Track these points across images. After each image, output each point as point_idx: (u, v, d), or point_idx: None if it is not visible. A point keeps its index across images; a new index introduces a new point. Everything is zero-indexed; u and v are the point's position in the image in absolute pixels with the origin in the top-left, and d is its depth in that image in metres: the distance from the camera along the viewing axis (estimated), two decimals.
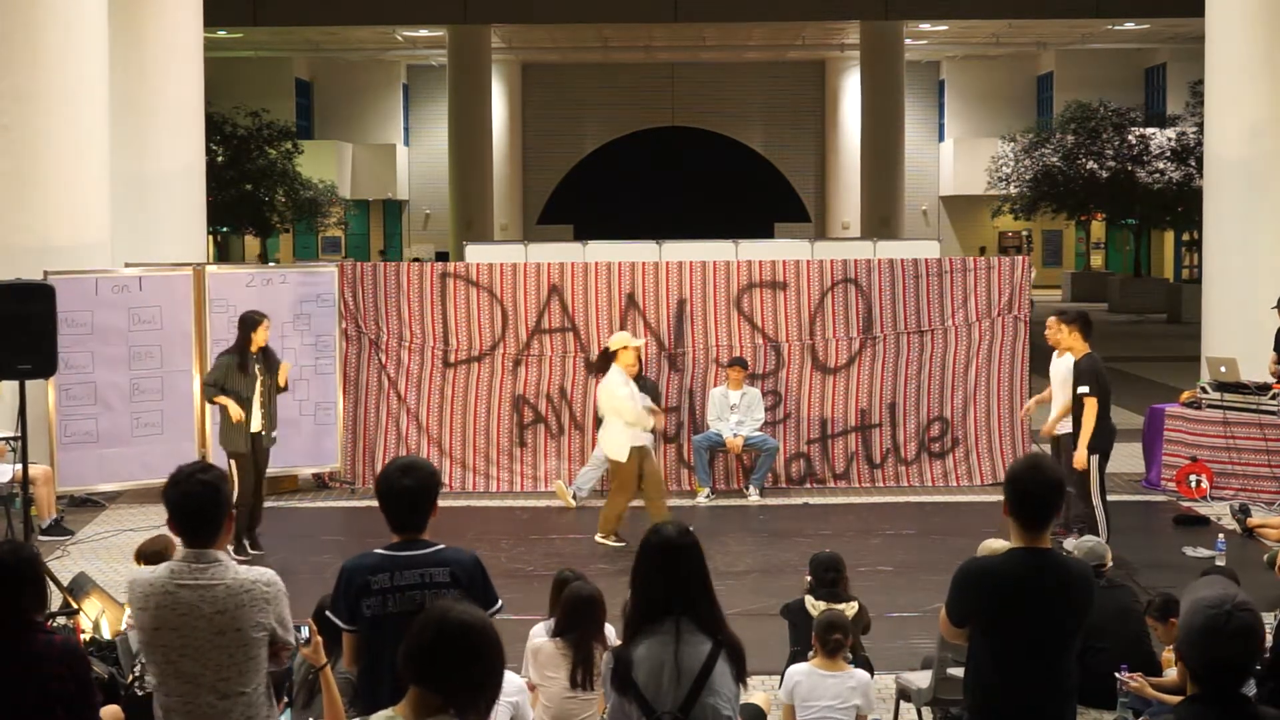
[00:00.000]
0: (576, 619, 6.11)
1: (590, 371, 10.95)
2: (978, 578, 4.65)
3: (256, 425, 10.65)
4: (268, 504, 11.15)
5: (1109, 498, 10.30)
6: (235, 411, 10.46)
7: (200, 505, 4.30)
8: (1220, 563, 8.98)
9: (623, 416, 10.58)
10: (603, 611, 6.18)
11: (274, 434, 10.86)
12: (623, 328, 12.86)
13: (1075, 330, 10.03)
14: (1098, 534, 10.13)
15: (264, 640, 4.33)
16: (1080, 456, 9.88)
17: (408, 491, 4.75)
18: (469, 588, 4.70)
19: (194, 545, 4.30)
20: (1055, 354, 10.60)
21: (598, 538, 10.84)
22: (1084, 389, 9.84)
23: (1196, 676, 3.70)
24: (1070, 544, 7.80)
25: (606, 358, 10.83)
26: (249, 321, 10.70)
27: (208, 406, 12.06)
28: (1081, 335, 10.01)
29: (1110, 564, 7.66)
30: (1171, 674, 6.92)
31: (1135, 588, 7.59)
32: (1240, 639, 3.65)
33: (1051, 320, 10.50)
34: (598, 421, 12.24)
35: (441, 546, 4.80)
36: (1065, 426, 10.42)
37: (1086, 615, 4.66)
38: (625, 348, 10.71)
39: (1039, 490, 4.58)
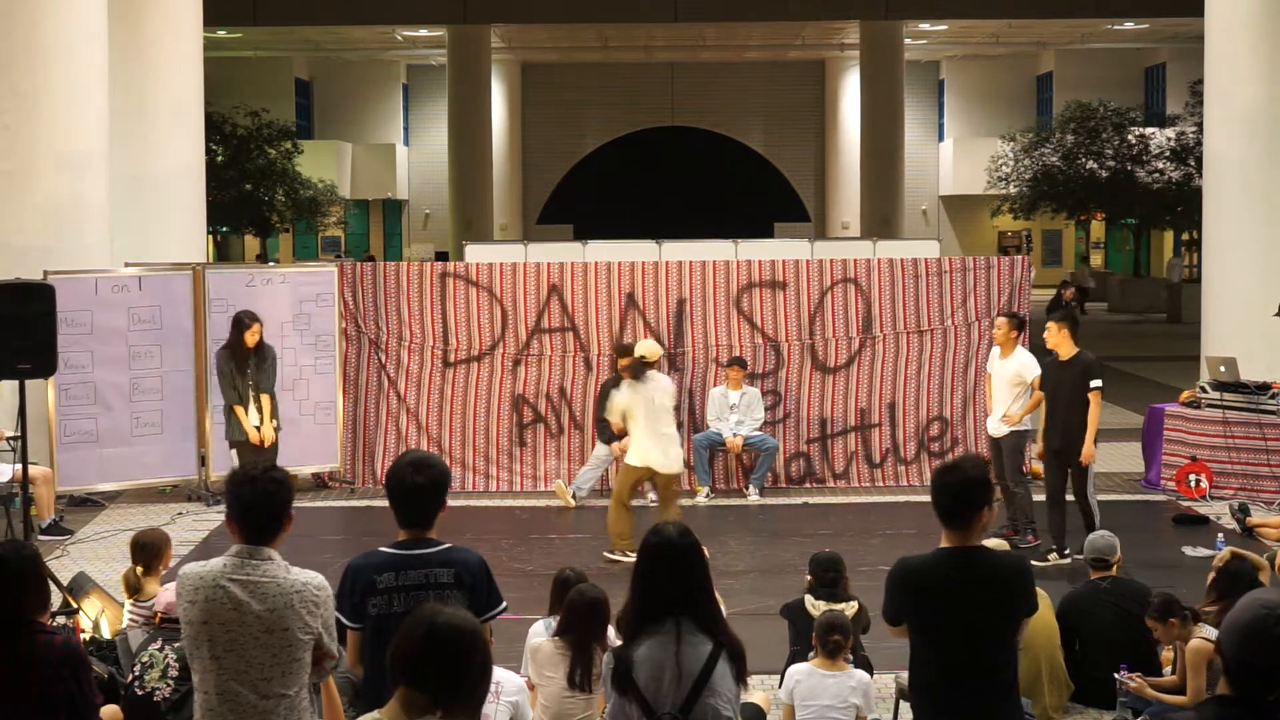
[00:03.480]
0: (580, 621, 6.10)
1: (633, 374, 10.48)
2: (906, 577, 4.71)
3: (255, 420, 11.27)
4: None
5: (1098, 497, 10.35)
6: (249, 428, 11.35)
7: (271, 503, 4.35)
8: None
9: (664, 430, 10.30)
10: (607, 614, 6.17)
11: (274, 422, 11.54)
12: (622, 328, 12.87)
13: (1064, 330, 10.07)
14: (1092, 530, 10.14)
15: (309, 644, 4.31)
16: (1089, 450, 9.92)
17: (419, 488, 4.73)
18: (473, 589, 4.68)
19: (254, 543, 4.33)
20: (998, 354, 10.67)
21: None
22: (1097, 383, 9.89)
23: (1229, 672, 3.66)
24: (1088, 542, 7.74)
25: (645, 365, 10.35)
26: (239, 323, 11.23)
27: (207, 406, 12.13)
28: (1070, 335, 10.08)
29: (1120, 559, 7.58)
30: (1171, 674, 6.93)
31: (1145, 586, 7.51)
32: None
33: (1000, 321, 10.64)
34: (597, 419, 12.23)
35: (448, 546, 4.78)
36: (1002, 429, 10.49)
37: (1022, 610, 4.70)
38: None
39: (959, 489, 4.67)
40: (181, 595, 4.34)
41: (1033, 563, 9.85)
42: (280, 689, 4.27)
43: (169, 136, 15.11)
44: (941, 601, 4.60)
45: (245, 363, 11.41)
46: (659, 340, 12.96)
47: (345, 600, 4.76)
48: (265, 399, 11.50)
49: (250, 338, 11.40)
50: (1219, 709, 3.67)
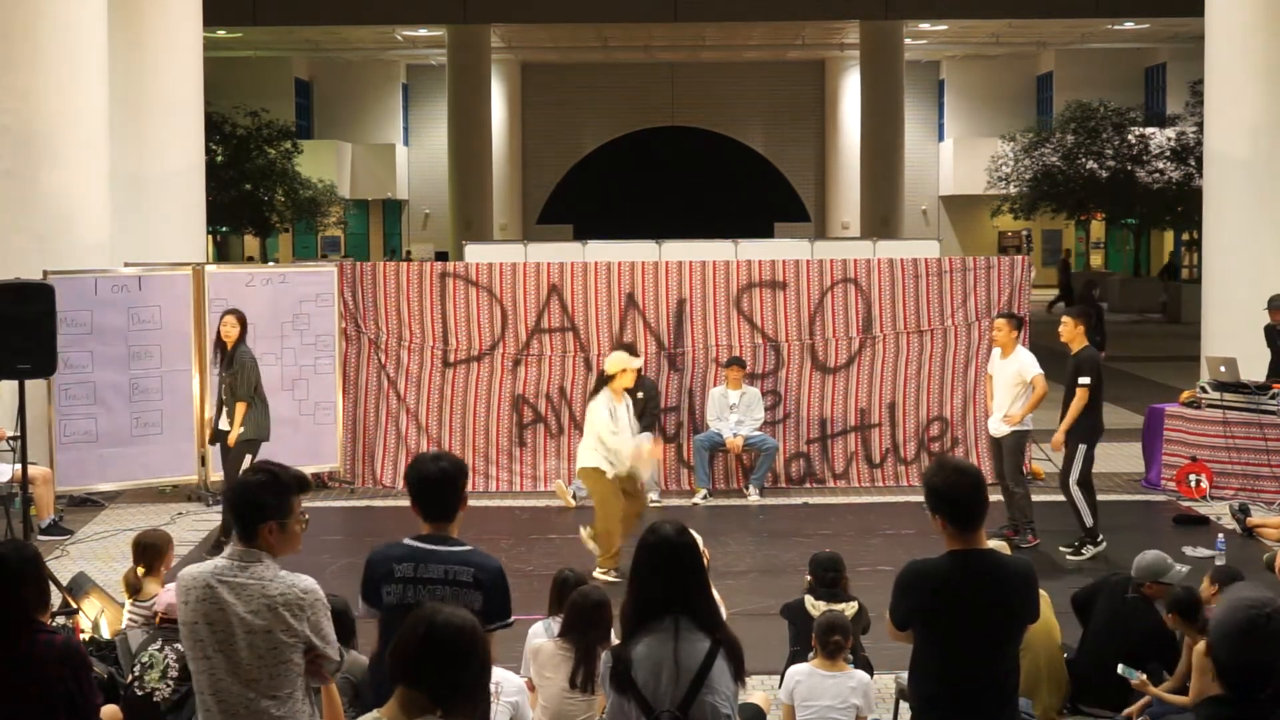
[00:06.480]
0: (584, 622, 6.09)
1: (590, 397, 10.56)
2: (917, 579, 4.66)
3: (224, 424, 10.65)
4: None
5: (1098, 497, 10.41)
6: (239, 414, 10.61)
7: (251, 500, 4.38)
8: (1220, 562, 8.94)
9: (605, 441, 9.83)
10: (610, 616, 6.16)
11: (240, 430, 10.54)
12: (622, 328, 12.86)
13: (1080, 325, 10.28)
14: (1086, 525, 10.19)
15: (296, 647, 4.29)
16: (1059, 438, 10.19)
17: (439, 475, 4.75)
18: (489, 593, 4.66)
19: (244, 543, 4.32)
20: (999, 354, 10.69)
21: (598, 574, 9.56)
22: (1086, 379, 10.06)
23: (1224, 673, 3.65)
24: (1138, 560, 7.64)
25: (603, 381, 10.07)
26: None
27: (207, 405, 12.09)
28: (1085, 330, 10.34)
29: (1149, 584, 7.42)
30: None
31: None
32: (1275, 642, 3.62)
33: (1000, 322, 10.68)
34: None
35: (470, 547, 4.77)
36: (1003, 429, 10.56)
37: (1027, 615, 4.69)
38: (624, 370, 9.97)
39: (965, 492, 4.63)
40: (177, 595, 4.39)
41: (1069, 558, 9.97)
42: (271, 690, 4.27)
43: (169, 136, 15.11)
44: (951, 606, 4.57)
45: (217, 360, 10.77)
46: (659, 340, 12.98)
47: (364, 586, 4.79)
48: (240, 406, 10.57)
49: (224, 330, 10.59)
50: (1215, 709, 3.67)
